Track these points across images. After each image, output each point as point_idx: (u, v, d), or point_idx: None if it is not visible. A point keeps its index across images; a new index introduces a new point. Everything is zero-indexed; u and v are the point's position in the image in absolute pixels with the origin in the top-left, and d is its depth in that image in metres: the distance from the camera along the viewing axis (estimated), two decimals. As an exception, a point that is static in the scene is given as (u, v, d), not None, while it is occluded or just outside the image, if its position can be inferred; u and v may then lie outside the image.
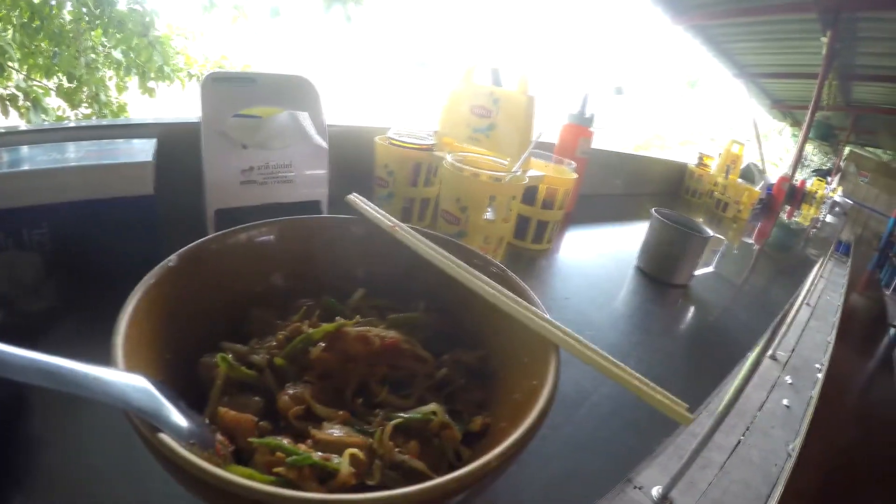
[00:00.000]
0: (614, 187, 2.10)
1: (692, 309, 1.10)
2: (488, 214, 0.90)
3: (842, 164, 9.86)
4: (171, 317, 0.41)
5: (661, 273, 1.19)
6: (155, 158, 0.72)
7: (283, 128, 0.79)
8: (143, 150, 0.73)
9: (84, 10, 3.96)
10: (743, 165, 2.57)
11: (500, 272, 0.51)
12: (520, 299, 0.46)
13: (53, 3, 3.84)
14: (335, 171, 0.89)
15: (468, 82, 1.11)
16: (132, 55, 4.02)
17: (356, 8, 4.01)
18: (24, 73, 3.98)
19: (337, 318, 0.46)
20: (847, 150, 9.90)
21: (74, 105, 4.24)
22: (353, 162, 1.07)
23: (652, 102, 14.62)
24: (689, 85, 14.06)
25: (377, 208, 0.59)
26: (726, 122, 14.05)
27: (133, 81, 4.21)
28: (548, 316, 0.44)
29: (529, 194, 1.12)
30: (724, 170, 2.41)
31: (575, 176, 1.17)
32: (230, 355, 0.42)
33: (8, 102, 3.85)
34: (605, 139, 1.95)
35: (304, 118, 0.81)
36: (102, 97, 4.20)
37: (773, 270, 1.81)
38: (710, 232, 1.18)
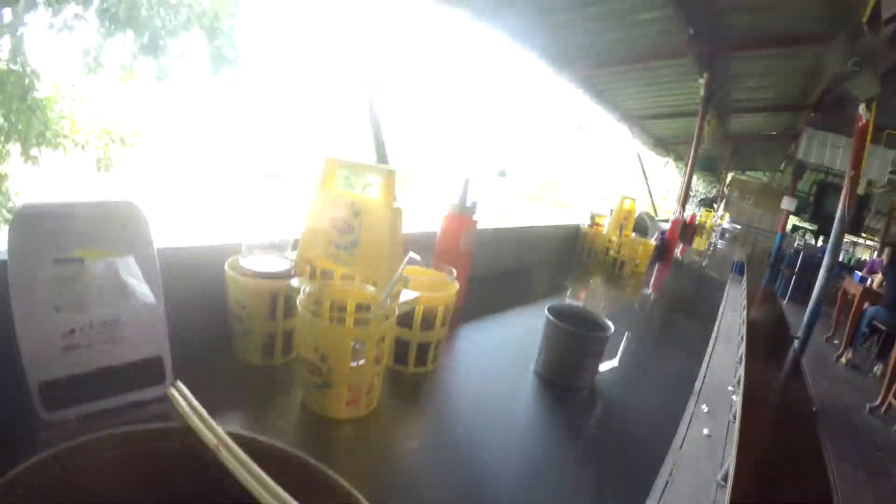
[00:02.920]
0: (508, 263, 2.01)
1: (598, 410, 1.06)
2: (354, 363, 0.81)
3: (725, 190, 10.65)
4: None
5: (561, 377, 1.11)
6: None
7: (103, 282, 0.69)
8: None
9: None
10: (636, 215, 2.70)
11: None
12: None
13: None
14: (185, 306, 0.80)
15: (327, 189, 1.00)
16: (12, 119, 3.73)
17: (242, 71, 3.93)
18: None
19: None
20: (729, 177, 10.73)
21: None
22: (206, 289, 0.95)
23: (541, 150, 15.07)
24: (576, 129, 14.78)
25: (201, 409, 0.47)
26: (613, 161, 14.84)
27: (15, 148, 3.91)
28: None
29: (406, 316, 1.01)
30: (617, 227, 2.52)
31: (456, 287, 1.08)
32: None
33: None
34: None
35: (126, 266, 0.71)
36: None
37: (676, 319, 1.85)
38: (610, 327, 1.13)
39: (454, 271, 1.12)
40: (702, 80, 4.66)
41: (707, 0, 3.38)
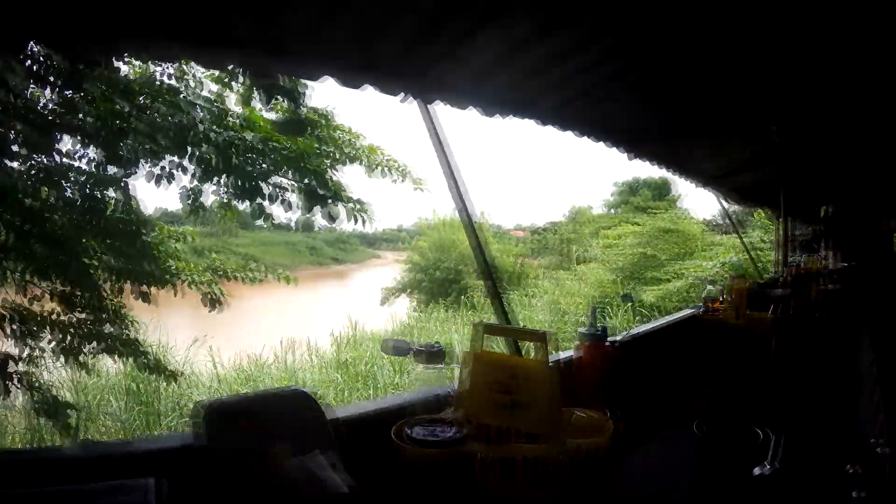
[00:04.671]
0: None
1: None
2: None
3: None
4: None
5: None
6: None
7: (298, 480, 0.72)
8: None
9: (75, 216, 4.05)
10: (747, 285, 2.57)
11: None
12: None
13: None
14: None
15: (481, 353, 1.08)
16: (123, 261, 4.08)
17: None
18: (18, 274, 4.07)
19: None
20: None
21: (72, 308, 4.29)
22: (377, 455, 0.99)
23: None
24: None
25: None
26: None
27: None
28: None
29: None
30: (734, 309, 2.40)
31: (611, 427, 1.11)
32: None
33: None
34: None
35: (316, 461, 0.74)
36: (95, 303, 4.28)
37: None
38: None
39: (608, 411, 1.19)
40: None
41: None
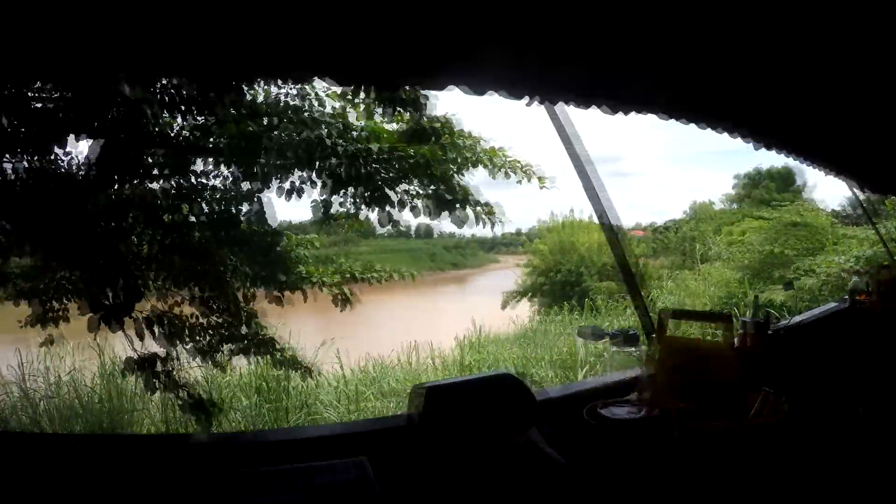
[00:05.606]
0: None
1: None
2: None
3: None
4: None
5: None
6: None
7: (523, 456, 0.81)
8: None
9: (212, 230, 4.54)
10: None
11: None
12: None
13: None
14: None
15: (668, 338, 1.14)
16: (257, 269, 4.45)
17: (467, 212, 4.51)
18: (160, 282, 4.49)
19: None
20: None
21: (209, 313, 4.69)
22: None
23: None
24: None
25: None
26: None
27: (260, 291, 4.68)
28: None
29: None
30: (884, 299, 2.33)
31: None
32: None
33: (145, 326, 4.40)
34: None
35: (538, 437, 0.84)
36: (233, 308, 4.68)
37: None
38: None
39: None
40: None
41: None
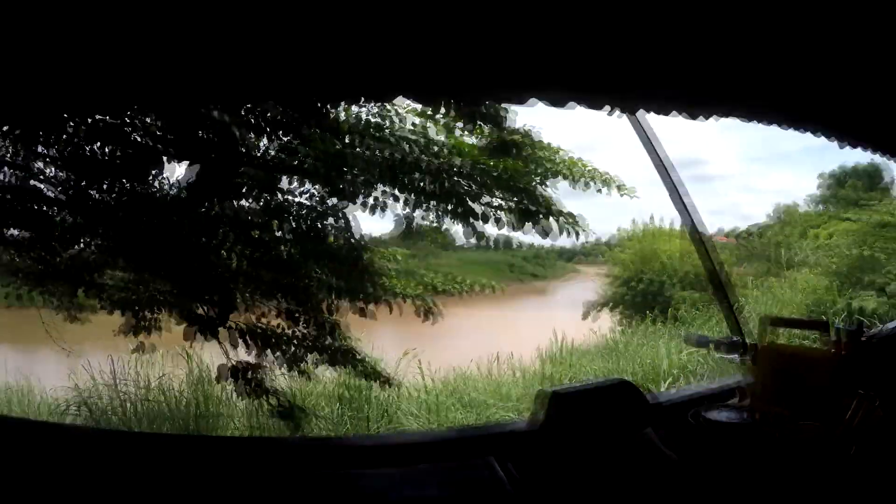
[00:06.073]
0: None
1: None
2: None
3: None
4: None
5: None
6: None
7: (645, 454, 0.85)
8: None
9: (299, 244, 4.74)
10: None
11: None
12: None
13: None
14: None
15: (767, 345, 1.15)
16: (343, 282, 4.68)
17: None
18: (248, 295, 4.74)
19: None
20: None
21: (295, 324, 4.88)
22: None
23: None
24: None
25: None
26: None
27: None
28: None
29: None
30: None
31: None
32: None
33: (238, 336, 4.62)
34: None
35: (653, 436, 0.88)
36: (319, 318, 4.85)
37: None
38: None
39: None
40: None
41: None
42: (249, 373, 4.88)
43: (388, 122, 4.53)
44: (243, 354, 4.91)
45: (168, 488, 1.69)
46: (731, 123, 3.00)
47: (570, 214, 4.64)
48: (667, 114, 2.66)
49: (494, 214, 4.54)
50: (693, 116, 2.77)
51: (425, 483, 1.69)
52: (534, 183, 4.58)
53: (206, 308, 4.72)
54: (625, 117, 2.80)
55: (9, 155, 4.33)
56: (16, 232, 4.72)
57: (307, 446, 2.57)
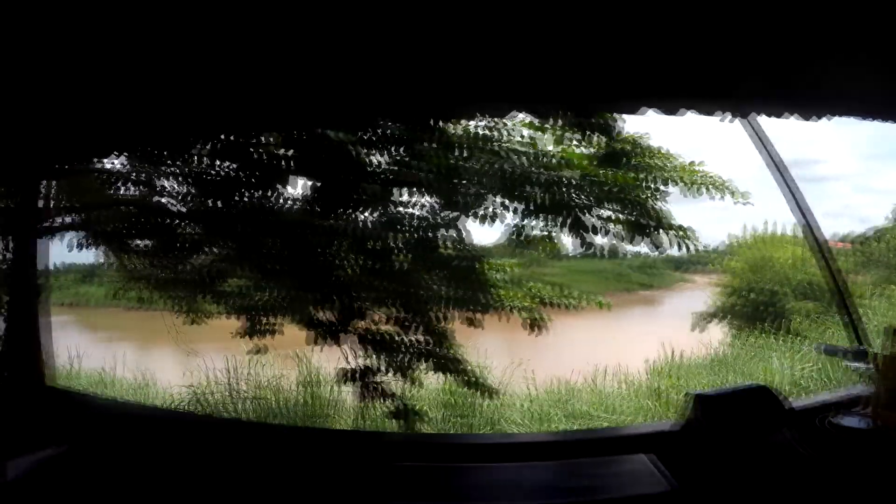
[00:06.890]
0: None
1: None
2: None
3: None
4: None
5: None
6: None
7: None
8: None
9: (412, 255, 4.97)
10: None
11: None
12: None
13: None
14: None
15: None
16: (458, 293, 4.89)
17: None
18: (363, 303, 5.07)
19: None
20: None
21: (406, 331, 5.09)
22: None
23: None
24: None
25: None
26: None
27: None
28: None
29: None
30: None
31: None
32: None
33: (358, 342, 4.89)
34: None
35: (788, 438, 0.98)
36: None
37: None
38: None
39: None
40: None
41: None
42: (368, 376, 5.14)
43: (496, 135, 4.67)
44: (352, 359, 5.18)
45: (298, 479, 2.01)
46: (844, 118, 2.89)
47: (682, 227, 4.62)
48: (779, 116, 2.62)
49: (605, 227, 4.58)
50: (806, 118, 2.70)
51: (590, 475, 1.90)
52: (645, 195, 4.59)
53: (326, 314, 5.04)
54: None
55: (135, 174, 4.86)
56: (140, 242, 5.24)
57: (451, 444, 2.86)
